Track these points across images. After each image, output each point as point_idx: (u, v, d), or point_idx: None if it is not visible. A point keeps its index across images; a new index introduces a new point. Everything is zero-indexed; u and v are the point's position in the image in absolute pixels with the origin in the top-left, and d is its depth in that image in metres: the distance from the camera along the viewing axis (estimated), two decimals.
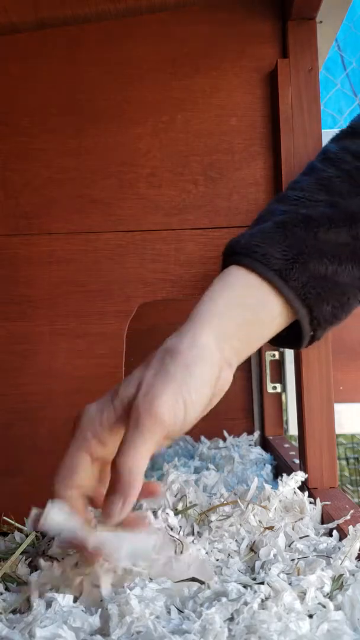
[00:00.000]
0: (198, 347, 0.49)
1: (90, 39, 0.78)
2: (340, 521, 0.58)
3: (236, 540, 0.55)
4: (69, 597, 0.43)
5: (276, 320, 0.54)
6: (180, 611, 0.42)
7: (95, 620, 0.40)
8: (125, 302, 0.76)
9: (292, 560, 0.50)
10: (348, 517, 0.59)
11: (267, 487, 0.61)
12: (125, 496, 0.45)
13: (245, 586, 0.44)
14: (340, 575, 0.46)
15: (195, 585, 0.45)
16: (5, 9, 0.74)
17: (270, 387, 1.17)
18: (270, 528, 0.55)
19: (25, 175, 0.78)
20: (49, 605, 0.42)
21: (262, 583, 0.43)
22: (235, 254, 0.54)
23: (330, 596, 0.44)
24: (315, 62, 0.75)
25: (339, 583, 0.45)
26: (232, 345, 0.51)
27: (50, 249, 0.77)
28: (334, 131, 0.65)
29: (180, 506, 0.61)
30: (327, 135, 0.78)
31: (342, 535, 0.56)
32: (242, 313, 0.52)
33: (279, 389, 1.18)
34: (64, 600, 0.42)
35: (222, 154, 0.77)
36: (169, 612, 0.42)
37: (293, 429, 1.16)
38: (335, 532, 0.57)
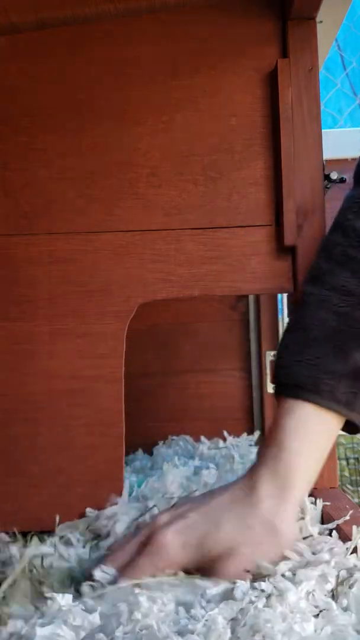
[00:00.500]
0: (293, 533, 0.53)
1: (90, 39, 0.78)
2: (340, 521, 0.58)
3: None
4: (69, 597, 0.43)
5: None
6: (188, 611, 0.42)
7: (95, 619, 0.40)
8: (125, 302, 0.76)
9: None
10: (348, 517, 0.59)
11: None
12: None
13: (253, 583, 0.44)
14: (349, 576, 0.46)
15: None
16: (5, 9, 0.74)
17: (271, 387, 1.17)
18: None
19: (24, 175, 0.78)
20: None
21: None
22: (300, 388, 0.55)
23: (334, 596, 0.44)
24: (316, 62, 0.75)
25: (347, 583, 0.45)
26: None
27: (50, 248, 0.77)
28: (334, 131, 0.66)
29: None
30: (327, 135, 0.78)
31: (343, 535, 0.56)
32: (320, 459, 0.56)
33: None
34: (63, 599, 0.42)
35: (222, 154, 0.76)
36: (177, 613, 0.42)
37: None
38: (335, 533, 0.57)
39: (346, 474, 1.40)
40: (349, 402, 0.54)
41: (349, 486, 1.36)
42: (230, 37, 0.77)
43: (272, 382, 0.59)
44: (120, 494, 0.73)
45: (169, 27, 0.77)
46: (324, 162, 0.76)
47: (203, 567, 0.50)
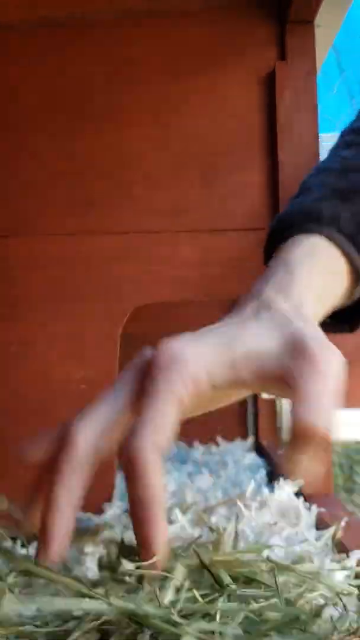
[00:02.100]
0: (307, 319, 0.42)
1: (87, 41, 0.78)
2: (335, 527, 0.58)
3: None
4: None
5: (342, 291, 0.48)
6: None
7: None
8: (120, 304, 0.75)
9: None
10: (342, 524, 0.59)
11: (265, 490, 0.61)
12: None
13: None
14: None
15: None
16: (2, 8, 0.73)
17: (264, 393, 1.17)
18: None
19: (19, 175, 0.77)
20: None
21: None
22: (301, 222, 0.48)
23: None
24: (313, 66, 0.75)
25: None
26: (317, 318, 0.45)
27: (45, 250, 0.76)
28: (330, 135, 0.65)
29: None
30: (324, 139, 0.78)
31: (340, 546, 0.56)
32: (330, 295, 0.47)
33: (273, 395, 1.17)
34: None
35: (219, 157, 0.76)
36: None
37: (287, 435, 1.16)
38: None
39: (340, 481, 1.40)
40: (354, 236, 0.46)
41: (343, 493, 1.35)
42: (229, 39, 0.77)
43: (266, 243, 0.52)
44: (111, 497, 0.72)
45: (167, 28, 0.77)
46: None
47: (234, 381, 0.37)
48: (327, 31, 0.80)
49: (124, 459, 0.34)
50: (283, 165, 0.74)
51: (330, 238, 0.46)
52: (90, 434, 0.38)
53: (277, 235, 0.49)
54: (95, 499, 0.72)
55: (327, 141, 0.64)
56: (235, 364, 0.37)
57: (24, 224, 0.77)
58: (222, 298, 0.77)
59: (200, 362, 0.36)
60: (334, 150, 0.56)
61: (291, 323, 0.39)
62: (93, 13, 0.76)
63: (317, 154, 0.75)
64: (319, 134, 0.75)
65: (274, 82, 0.74)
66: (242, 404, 1.19)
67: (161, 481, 0.33)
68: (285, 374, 0.36)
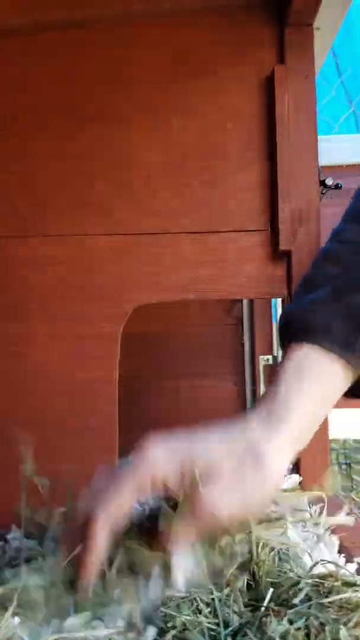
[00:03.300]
0: (280, 470, 0.49)
1: (88, 42, 0.78)
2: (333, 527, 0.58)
3: None
4: None
5: (342, 383, 0.53)
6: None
7: None
8: (120, 305, 0.76)
9: None
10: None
11: None
12: None
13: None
14: None
15: None
16: (3, 10, 0.74)
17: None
18: None
19: (20, 176, 0.78)
20: None
21: None
22: (295, 329, 0.52)
23: None
24: (312, 68, 0.75)
25: None
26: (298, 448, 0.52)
27: (45, 251, 0.77)
28: (329, 137, 0.66)
29: None
30: (322, 141, 0.79)
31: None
32: (321, 404, 0.52)
33: None
34: None
35: (218, 159, 0.77)
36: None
37: None
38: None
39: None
40: (348, 342, 0.50)
41: (341, 492, 1.36)
42: (228, 42, 0.77)
43: (280, 338, 0.56)
44: None
45: (167, 31, 0.78)
46: (320, 168, 0.76)
47: (183, 491, 0.47)
48: (326, 34, 0.80)
49: (86, 522, 0.47)
50: (282, 167, 0.74)
51: (323, 347, 0.51)
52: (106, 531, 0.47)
53: (286, 331, 0.55)
54: None
55: (326, 143, 0.64)
56: (185, 478, 0.47)
57: (24, 225, 0.77)
58: (222, 298, 0.78)
59: (160, 470, 0.47)
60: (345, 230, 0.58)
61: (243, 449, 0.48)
62: (93, 15, 0.77)
63: (316, 156, 0.75)
64: (318, 136, 0.76)
65: (273, 84, 0.75)
66: (242, 402, 1.20)
67: (100, 543, 0.46)
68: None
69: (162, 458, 0.47)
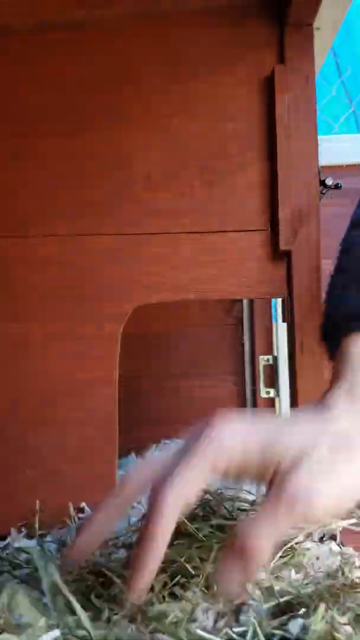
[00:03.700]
0: None
1: (87, 42, 0.78)
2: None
3: None
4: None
5: None
6: None
7: None
8: (120, 305, 0.76)
9: None
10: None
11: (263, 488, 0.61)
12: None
13: None
14: None
15: None
16: (3, 10, 0.74)
17: (264, 392, 1.17)
18: None
19: (20, 176, 0.78)
20: None
21: None
22: None
23: None
24: (312, 68, 0.75)
25: None
26: None
27: (45, 251, 0.77)
28: (329, 137, 0.66)
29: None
30: (322, 141, 0.79)
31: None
32: None
33: (272, 394, 1.18)
34: None
35: (218, 159, 0.77)
36: None
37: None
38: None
39: None
40: None
41: None
42: (228, 42, 0.77)
43: (323, 331, 0.52)
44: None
45: (167, 31, 0.78)
46: (320, 168, 0.76)
47: (261, 478, 0.40)
48: (326, 34, 0.80)
49: (149, 503, 0.38)
50: (282, 167, 0.74)
51: None
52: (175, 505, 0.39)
53: (339, 322, 0.50)
54: (97, 497, 0.73)
55: (326, 143, 0.64)
56: (266, 466, 0.40)
57: (24, 225, 0.77)
58: (222, 298, 0.77)
59: (235, 454, 0.40)
60: None
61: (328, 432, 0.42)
62: (93, 15, 0.77)
63: (316, 157, 0.75)
64: (318, 136, 0.76)
65: (273, 84, 0.75)
66: (242, 402, 1.20)
67: (167, 533, 0.38)
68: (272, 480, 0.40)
69: (241, 437, 0.40)
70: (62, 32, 0.78)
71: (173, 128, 0.77)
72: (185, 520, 0.54)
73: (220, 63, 0.77)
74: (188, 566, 0.46)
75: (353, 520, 0.59)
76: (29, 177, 0.77)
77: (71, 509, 0.70)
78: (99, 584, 0.48)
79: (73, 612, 0.40)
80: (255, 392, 1.19)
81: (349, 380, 0.45)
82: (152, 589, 0.43)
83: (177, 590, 0.45)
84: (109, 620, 0.40)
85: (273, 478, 0.39)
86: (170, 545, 0.46)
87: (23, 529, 0.70)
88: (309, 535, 0.56)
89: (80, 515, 0.71)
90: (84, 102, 0.78)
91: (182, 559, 0.47)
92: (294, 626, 0.39)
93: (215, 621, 0.40)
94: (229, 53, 0.77)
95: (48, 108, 0.78)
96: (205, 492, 0.64)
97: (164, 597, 0.43)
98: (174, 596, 0.44)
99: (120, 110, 0.77)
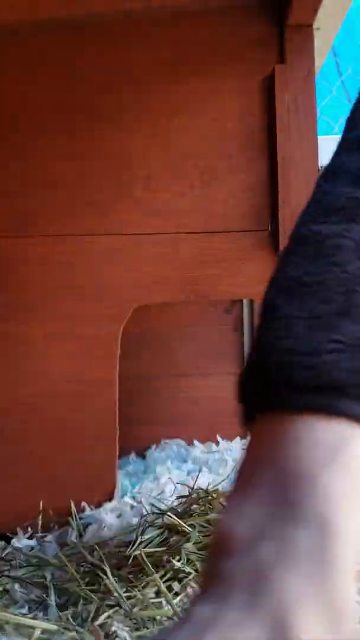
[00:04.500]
0: None
1: (87, 42, 0.78)
2: None
3: None
4: None
5: None
6: None
7: None
8: (120, 305, 0.76)
9: None
10: None
11: None
12: None
13: None
14: None
15: None
16: (3, 10, 0.74)
17: None
18: None
19: (20, 176, 0.78)
20: None
21: None
22: (339, 393, 0.28)
23: None
24: (312, 68, 0.75)
25: None
26: None
27: (45, 251, 0.77)
28: (329, 137, 0.66)
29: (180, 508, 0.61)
30: (322, 141, 0.79)
31: None
32: None
33: None
34: None
35: (218, 158, 0.77)
36: None
37: None
38: None
39: None
40: None
41: None
42: (228, 42, 0.77)
43: (246, 387, 0.32)
44: (112, 496, 0.73)
45: (168, 31, 0.78)
46: (320, 167, 0.76)
47: None
48: (326, 34, 0.80)
49: None
50: (282, 167, 0.74)
51: None
52: None
53: (261, 383, 0.30)
54: (98, 496, 0.73)
55: (326, 143, 0.64)
56: None
57: (24, 224, 0.77)
58: (222, 298, 0.77)
59: None
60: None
61: None
62: (93, 15, 0.77)
63: (316, 156, 0.75)
64: (318, 136, 0.76)
65: (274, 84, 0.75)
66: None
67: None
68: None
69: None
70: (61, 32, 0.78)
71: (173, 128, 0.77)
72: (180, 522, 0.54)
73: (220, 63, 0.77)
74: (179, 564, 0.47)
75: None
76: (29, 177, 0.77)
77: (72, 509, 0.70)
78: (93, 582, 0.49)
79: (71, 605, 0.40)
80: None
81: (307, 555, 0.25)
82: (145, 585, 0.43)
83: (175, 585, 0.45)
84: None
85: None
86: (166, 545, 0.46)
87: (29, 529, 0.70)
88: None
89: (81, 515, 0.71)
90: (84, 102, 0.78)
91: (176, 559, 0.48)
92: None
93: None
94: (229, 53, 0.77)
95: (48, 108, 0.78)
96: (201, 489, 0.65)
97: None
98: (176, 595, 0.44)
99: (120, 110, 0.77)
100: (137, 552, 0.53)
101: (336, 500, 0.25)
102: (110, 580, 0.48)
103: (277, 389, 0.29)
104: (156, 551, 0.53)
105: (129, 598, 0.47)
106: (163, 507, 0.64)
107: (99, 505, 0.72)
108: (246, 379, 0.31)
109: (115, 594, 0.48)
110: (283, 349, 0.29)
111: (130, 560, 0.53)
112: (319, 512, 0.25)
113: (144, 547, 0.55)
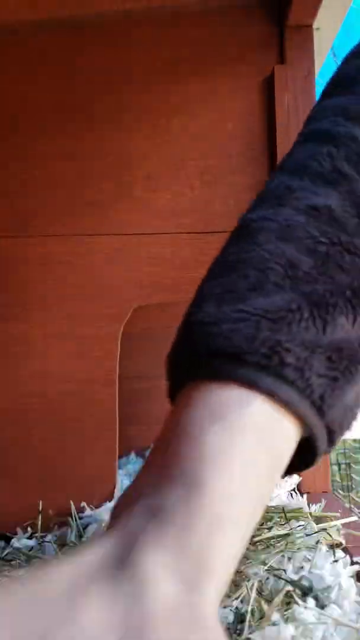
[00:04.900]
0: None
1: (88, 42, 0.78)
2: (332, 524, 0.58)
3: None
4: None
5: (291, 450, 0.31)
6: None
7: None
8: (120, 305, 0.76)
9: None
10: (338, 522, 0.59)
11: None
12: None
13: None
14: None
15: None
16: (3, 10, 0.74)
17: None
18: None
19: (20, 176, 0.78)
20: None
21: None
22: (242, 362, 0.29)
23: None
24: (312, 68, 0.75)
25: None
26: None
27: (45, 251, 0.77)
28: None
29: None
30: None
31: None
32: (262, 504, 0.29)
33: None
34: None
35: (218, 159, 0.77)
36: None
37: None
38: None
39: (337, 479, 1.41)
40: (323, 400, 0.30)
41: (340, 491, 1.36)
42: (228, 42, 0.77)
43: (173, 352, 0.33)
44: (112, 496, 0.73)
45: (168, 31, 0.78)
46: None
47: None
48: (326, 34, 0.80)
49: None
50: None
51: (285, 402, 0.29)
52: None
53: (196, 355, 0.31)
54: (98, 496, 0.73)
55: None
56: None
57: (24, 224, 0.77)
58: None
59: None
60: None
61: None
62: (93, 15, 0.77)
63: None
64: None
65: (273, 84, 0.75)
66: None
67: None
68: None
69: None
70: (61, 32, 0.78)
71: (173, 128, 0.77)
72: None
73: (220, 63, 0.77)
74: None
75: (353, 518, 0.60)
76: (29, 177, 0.77)
77: (72, 509, 0.70)
78: None
79: None
80: None
81: (179, 509, 0.26)
82: None
83: None
84: None
85: None
86: None
87: (30, 529, 0.70)
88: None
89: (81, 515, 0.71)
90: (84, 102, 0.78)
91: None
92: None
93: None
94: (229, 53, 0.77)
95: (48, 108, 0.78)
96: None
97: None
98: None
99: (121, 110, 0.78)
100: None
101: (210, 458, 0.27)
102: None
103: (182, 360, 0.31)
104: None
105: None
106: None
107: (99, 505, 0.72)
108: (168, 355, 0.33)
109: None
110: (192, 322, 0.31)
111: None
112: (190, 469, 0.27)
113: None
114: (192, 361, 0.30)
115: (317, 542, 0.53)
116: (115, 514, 0.28)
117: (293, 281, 0.31)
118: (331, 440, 0.31)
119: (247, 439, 0.28)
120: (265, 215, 0.35)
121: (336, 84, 0.41)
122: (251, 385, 0.29)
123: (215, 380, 0.29)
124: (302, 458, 0.32)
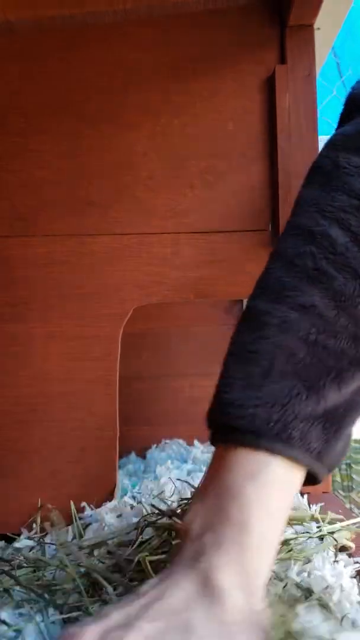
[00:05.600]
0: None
1: (88, 41, 0.78)
2: (335, 526, 0.58)
3: None
4: None
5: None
6: None
7: None
8: (121, 305, 0.76)
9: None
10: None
11: None
12: None
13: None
14: None
15: None
16: (3, 8, 0.74)
17: None
18: None
19: (20, 176, 0.78)
20: None
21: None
22: (263, 437, 0.42)
23: None
24: (313, 68, 0.75)
25: None
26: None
27: (46, 250, 0.77)
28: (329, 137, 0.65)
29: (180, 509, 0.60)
30: (322, 141, 0.79)
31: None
32: (282, 530, 0.43)
33: None
34: None
35: (218, 158, 0.77)
36: None
37: None
38: None
39: (338, 479, 1.41)
40: (321, 454, 0.43)
41: (341, 492, 1.36)
42: (229, 42, 0.77)
43: (209, 424, 0.46)
44: (112, 496, 0.73)
45: (168, 31, 0.78)
46: None
47: None
48: (326, 34, 0.80)
49: None
50: (282, 167, 0.74)
51: (292, 458, 0.42)
52: None
53: (229, 432, 0.44)
54: (98, 496, 0.73)
55: None
56: None
57: (25, 224, 0.77)
58: (222, 298, 0.77)
59: None
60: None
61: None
62: (93, 15, 0.77)
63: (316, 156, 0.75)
64: (318, 136, 0.75)
65: (274, 84, 0.75)
66: None
67: None
68: None
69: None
70: (61, 32, 0.78)
71: (174, 128, 0.77)
72: (176, 520, 0.54)
73: (220, 63, 0.77)
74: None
75: (356, 520, 0.60)
76: (29, 177, 0.77)
77: (72, 509, 0.70)
78: (89, 586, 0.49)
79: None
80: None
81: (234, 539, 0.40)
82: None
83: None
84: None
85: None
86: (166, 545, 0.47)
87: (34, 526, 0.70)
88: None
89: (81, 515, 0.71)
90: (84, 102, 0.78)
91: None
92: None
93: None
94: (229, 53, 0.77)
95: (48, 108, 0.78)
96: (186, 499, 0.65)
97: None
98: None
99: (121, 110, 0.77)
100: (140, 555, 0.53)
101: (252, 507, 0.40)
102: (109, 591, 0.49)
103: (223, 430, 0.44)
104: (159, 559, 0.53)
105: None
106: (163, 507, 0.64)
107: (99, 505, 0.72)
108: (208, 418, 0.45)
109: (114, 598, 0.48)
110: (225, 402, 0.44)
111: (130, 564, 0.53)
112: (239, 515, 0.40)
113: (144, 548, 0.55)
114: (225, 428, 0.43)
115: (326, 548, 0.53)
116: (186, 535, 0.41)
117: (293, 367, 0.43)
118: (330, 471, 0.45)
119: (273, 488, 0.41)
120: (268, 309, 0.45)
121: (315, 172, 0.50)
122: (270, 450, 0.42)
123: (245, 447, 0.42)
124: (308, 480, 0.45)
